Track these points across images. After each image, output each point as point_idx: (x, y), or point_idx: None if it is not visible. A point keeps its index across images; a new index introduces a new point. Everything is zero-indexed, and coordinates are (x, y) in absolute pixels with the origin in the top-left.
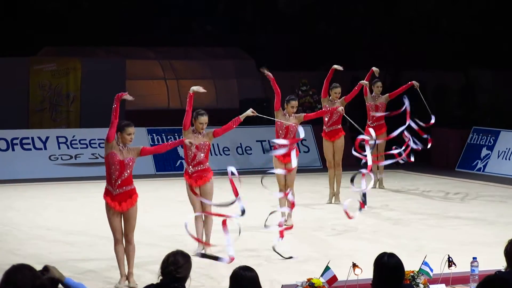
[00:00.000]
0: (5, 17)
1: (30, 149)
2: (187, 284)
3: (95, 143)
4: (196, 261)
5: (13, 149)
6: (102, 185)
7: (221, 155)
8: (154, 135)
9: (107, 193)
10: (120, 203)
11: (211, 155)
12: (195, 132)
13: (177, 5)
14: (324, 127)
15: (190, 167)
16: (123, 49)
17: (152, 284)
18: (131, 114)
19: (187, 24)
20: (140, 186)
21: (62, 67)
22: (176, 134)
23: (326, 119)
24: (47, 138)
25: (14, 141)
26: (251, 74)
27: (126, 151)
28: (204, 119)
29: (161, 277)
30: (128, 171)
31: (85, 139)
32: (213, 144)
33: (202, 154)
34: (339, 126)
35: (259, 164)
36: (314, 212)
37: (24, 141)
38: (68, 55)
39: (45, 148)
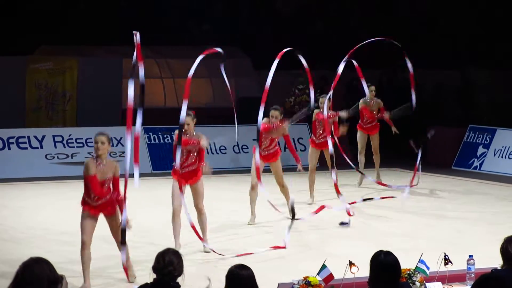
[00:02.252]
0: (2, 16)
1: (26, 148)
2: (180, 281)
3: (92, 142)
4: (189, 260)
5: (9, 148)
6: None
7: (217, 153)
8: (151, 134)
9: (84, 202)
10: (101, 210)
11: (207, 154)
12: (185, 134)
13: (174, 4)
14: (313, 137)
15: (181, 168)
16: (119, 48)
17: (147, 284)
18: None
19: (183, 23)
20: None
21: (59, 66)
22: (172, 133)
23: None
24: (44, 137)
25: (10, 140)
26: (248, 73)
27: (102, 168)
28: (187, 119)
29: (154, 276)
30: (106, 185)
31: (82, 138)
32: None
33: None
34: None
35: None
36: (307, 211)
37: (20, 140)
38: (64, 54)
39: (42, 147)
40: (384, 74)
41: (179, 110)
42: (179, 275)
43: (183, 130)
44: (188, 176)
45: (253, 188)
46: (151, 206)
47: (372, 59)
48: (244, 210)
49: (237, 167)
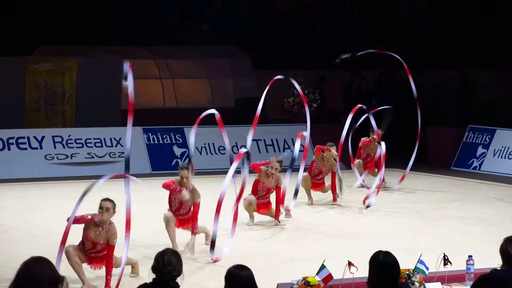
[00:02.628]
0: (1, 16)
1: (26, 149)
2: (179, 281)
3: (91, 143)
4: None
5: (9, 149)
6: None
7: (216, 154)
8: (150, 134)
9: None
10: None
11: (206, 154)
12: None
13: (173, 4)
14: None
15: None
16: (119, 49)
17: (146, 284)
18: (127, 114)
19: (183, 23)
20: (136, 185)
21: (58, 66)
22: (171, 133)
23: None
24: (43, 137)
25: (10, 141)
26: (247, 73)
27: (100, 232)
28: (184, 173)
29: (153, 277)
30: (99, 247)
31: (81, 139)
32: (208, 144)
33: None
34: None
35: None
36: (307, 212)
37: (20, 140)
38: (64, 54)
39: (41, 148)
40: (383, 74)
41: (178, 110)
42: (178, 275)
43: (181, 182)
44: (181, 222)
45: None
46: (150, 206)
47: (371, 59)
48: (243, 211)
49: (236, 168)
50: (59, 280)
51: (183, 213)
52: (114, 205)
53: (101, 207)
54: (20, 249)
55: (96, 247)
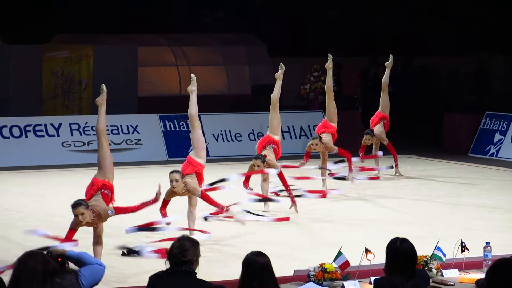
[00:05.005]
0: (18, 5)
1: (43, 136)
2: (196, 268)
3: (108, 130)
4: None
5: (26, 136)
6: (115, 171)
7: (233, 141)
8: (166, 121)
9: None
10: None
11: (223, 141)
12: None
13: None
14: None
15: None
16: (135, 36)
17: (160, 271)
18: (144, 101)
19: (199, 10)
20: (152, 172)
21: (75, 54)
22: (187, 121)
23: None
24: (60, 125)
25: (27, 128)
26: (263, 60)
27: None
28: (173, 176)
29: (168, 265)
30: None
31: None
32: (224, 131)
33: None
34: None
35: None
36: (323, 200)
37: (37, 128)
38: (80, 42)
39: (58, 135)
40: (399, 59)
41: None
42: (190, 260)
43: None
44: None
45: (265, 180)
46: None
47: (388, 45)
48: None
49: (252, 155)
50: (56, 270)
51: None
52: (182, 174)
53: (171, 180)
54: (36, 237)
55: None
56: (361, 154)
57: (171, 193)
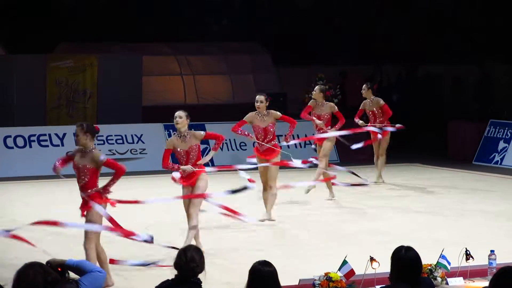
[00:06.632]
0: (22, 14)
1: (47, 146)
2: (201, 277)
3: (112, 139)
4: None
5: (30, 146)
6: (119, 182)
7: (238, 150)
8: (171, 130)
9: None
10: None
11: (228, 150)
12: (180, 137)
13: (193, 0)
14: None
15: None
16: (139, 45)
17: (168, 280)
18: (148, 110)
19: (203, 19)
20: (157, 181)
21: (79, 63)
22: (192, 129)
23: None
24: (64, 134)
25: (32, 138)
26: (268, 69)
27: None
28: (179, 113)
29: (175, 273)
30: (83, 177)
31: (102, 136)
32: (229, 140)
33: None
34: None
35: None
36: (328, 208)
37: (41, 137)
38: (84, 51)
39: (63, 145)
40: (404, 68)
41: (199, 106)
42: (201, 271)
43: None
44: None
45: (265, 189)
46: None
47: (392, 53)
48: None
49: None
50: (57, 281)
51: (193, 163)
52: (187, 114)
53: (175, 117)
54: (41, 246)
55: (81, 174)
56: (356, 119)
57: (170, 143)
